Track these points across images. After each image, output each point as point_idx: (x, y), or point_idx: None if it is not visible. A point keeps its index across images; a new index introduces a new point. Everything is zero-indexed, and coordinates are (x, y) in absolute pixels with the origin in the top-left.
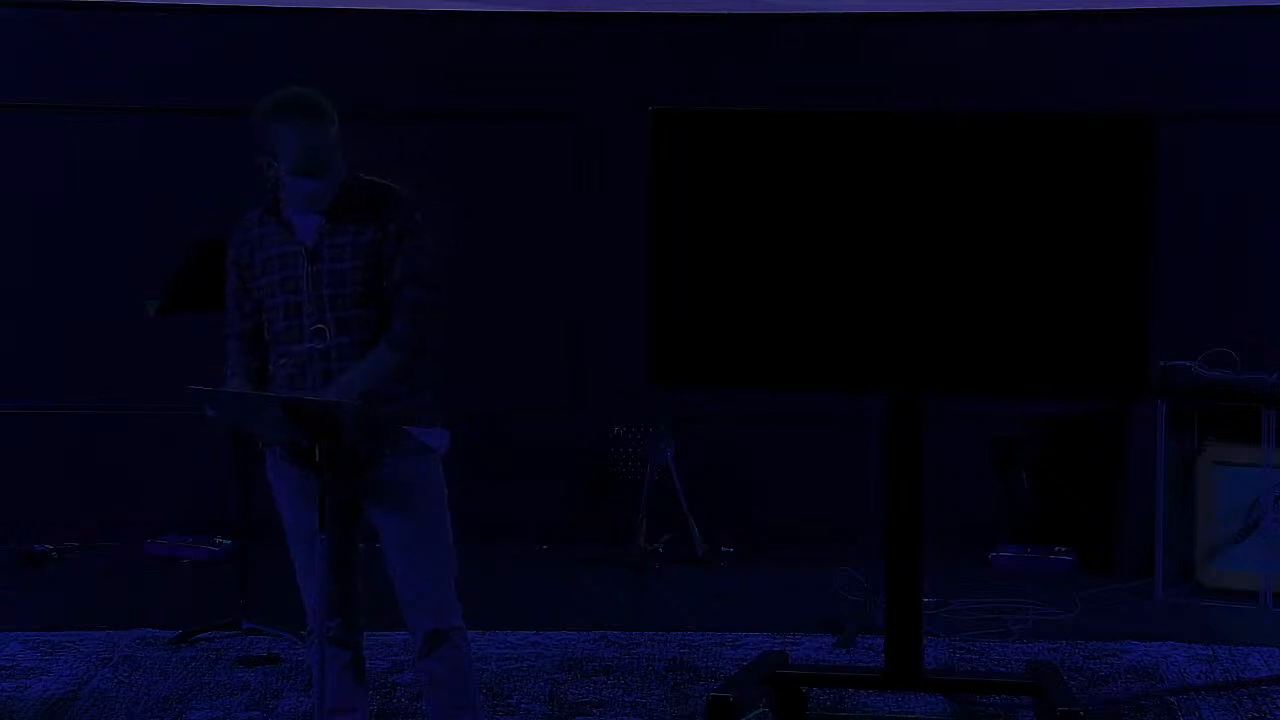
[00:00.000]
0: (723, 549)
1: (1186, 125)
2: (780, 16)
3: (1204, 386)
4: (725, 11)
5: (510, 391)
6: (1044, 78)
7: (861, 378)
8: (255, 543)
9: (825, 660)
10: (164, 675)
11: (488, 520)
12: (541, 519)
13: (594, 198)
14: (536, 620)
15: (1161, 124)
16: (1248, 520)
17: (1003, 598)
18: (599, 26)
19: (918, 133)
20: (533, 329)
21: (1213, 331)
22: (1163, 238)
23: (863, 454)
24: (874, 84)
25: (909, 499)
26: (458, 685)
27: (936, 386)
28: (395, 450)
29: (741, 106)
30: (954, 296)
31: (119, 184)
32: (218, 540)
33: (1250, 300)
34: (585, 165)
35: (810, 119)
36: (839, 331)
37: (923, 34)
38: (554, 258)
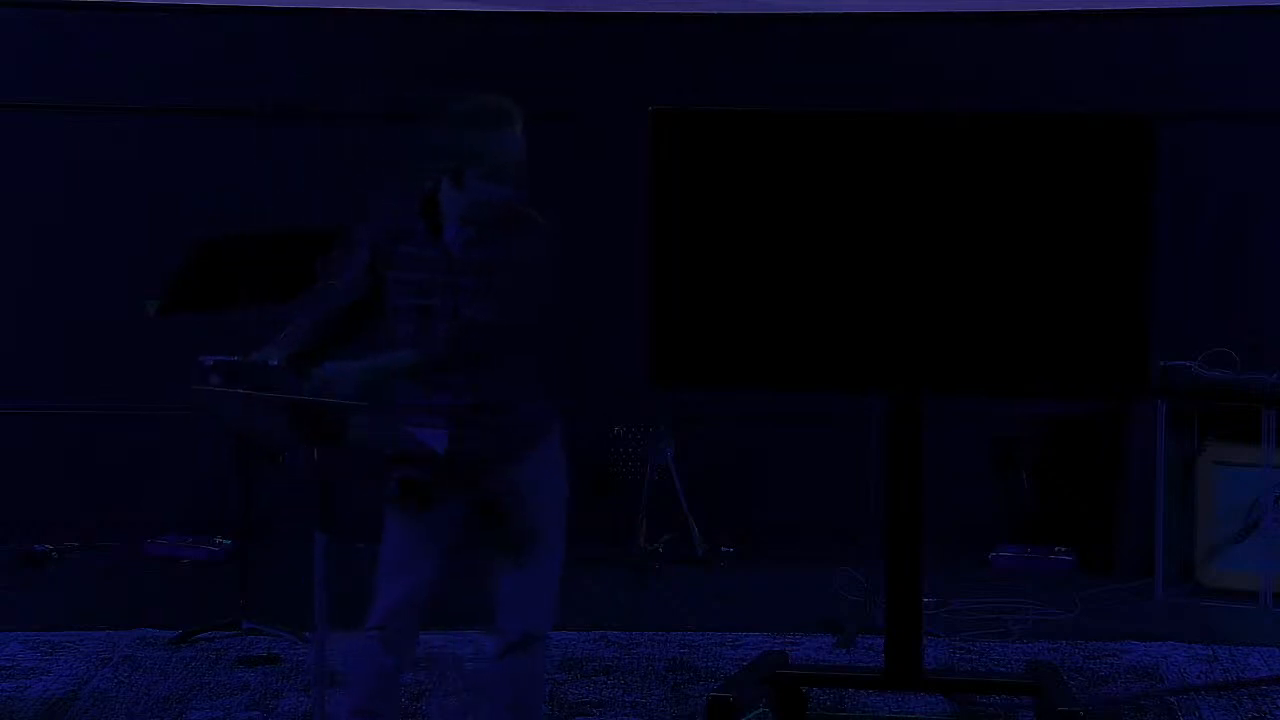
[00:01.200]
0: (723, 549)
1: (1186, 125)
2: (780, 16)
3: (1204, 386)
4: (725, 11)
5: None
6: (1044, 78)
7: (862, 378)
8: (255, 543)
9: (825, 660)
10: (164, 675)
11: None
12: None
13: (594, 198)
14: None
15: (1161, 124)
16: (1248, 520)
17: (1003, 598)
18: (599, 26)
19: (918, 133)
20: None
21: (1213, 331)
22: (1163, 238)
23: (863, 454)
24: (874, 84)
25: (909, 499)
26: (531, 693)
27: (936, 386)
28: (397, 450)
29: (741, 106)
30: (954, 297)
31: (119, 184)
32: (218, 540)
33: (1250, 300)
34: (585, 165)
35: (810, 119)
36: (839, 331)
37: (923, 34)
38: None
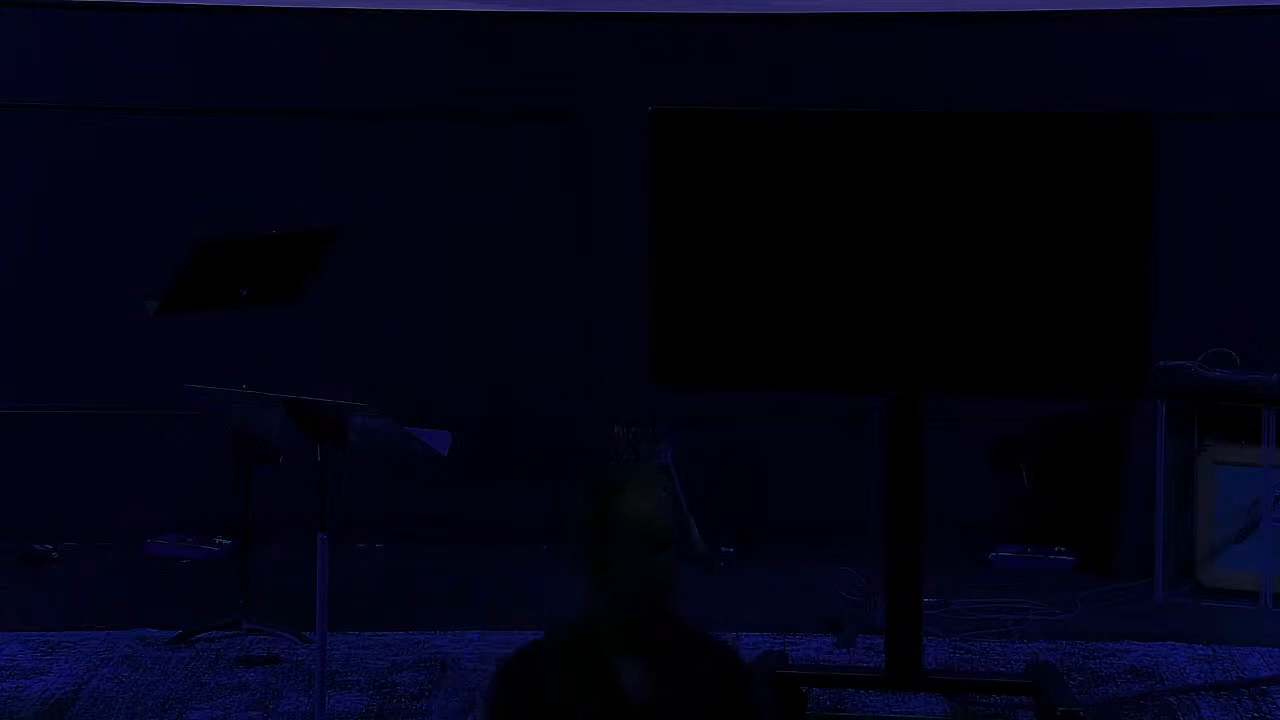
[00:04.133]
0: (723, 549)
1: (1186, 125)
2: (781, 17)
3: (1204, 386)
4: (725, 11)
5: (511, 392)
6: (1044, 78)
7: (862, 378)
8: (255, 543)
9: (825, 660)
10: (164, 675)
11: (489, 521)
12: (543, 519)
13: (594, 198)
14: (539, 621)
15: (1161, 124)
16: (1248, 520)
17: (1003, 598)
18: (599, 26)
19: (918, 133)
20: (533, 329)
21: (1213, 331)
22: (1163, 238)
23: (863, 454)
24: (874, 84)
25: (909, 499)
26: None
27: (937, 386)
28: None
29: (741, 106)
30: (954, 296)
31: (119, 184)
32: (218, 540)
33: (1250, 300)
34: (585, 165)
35: (810, 119)
36: (839, 331)
37: (923, 34)
38: (554, 258)
